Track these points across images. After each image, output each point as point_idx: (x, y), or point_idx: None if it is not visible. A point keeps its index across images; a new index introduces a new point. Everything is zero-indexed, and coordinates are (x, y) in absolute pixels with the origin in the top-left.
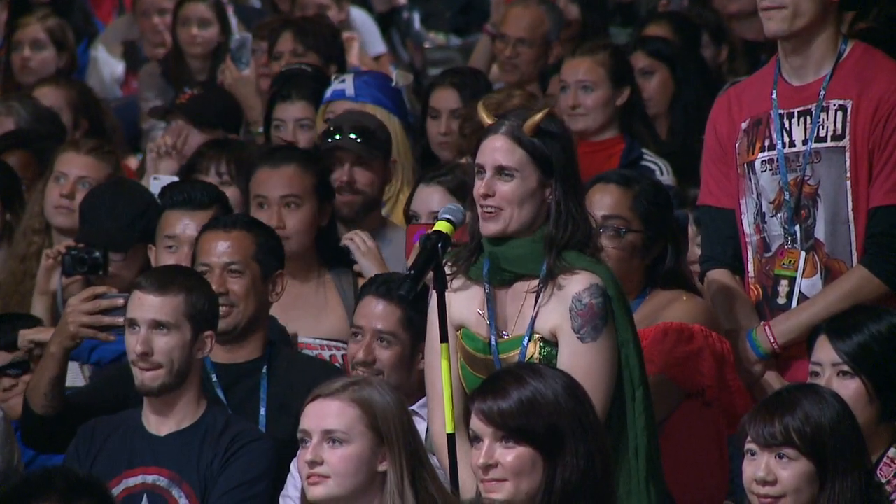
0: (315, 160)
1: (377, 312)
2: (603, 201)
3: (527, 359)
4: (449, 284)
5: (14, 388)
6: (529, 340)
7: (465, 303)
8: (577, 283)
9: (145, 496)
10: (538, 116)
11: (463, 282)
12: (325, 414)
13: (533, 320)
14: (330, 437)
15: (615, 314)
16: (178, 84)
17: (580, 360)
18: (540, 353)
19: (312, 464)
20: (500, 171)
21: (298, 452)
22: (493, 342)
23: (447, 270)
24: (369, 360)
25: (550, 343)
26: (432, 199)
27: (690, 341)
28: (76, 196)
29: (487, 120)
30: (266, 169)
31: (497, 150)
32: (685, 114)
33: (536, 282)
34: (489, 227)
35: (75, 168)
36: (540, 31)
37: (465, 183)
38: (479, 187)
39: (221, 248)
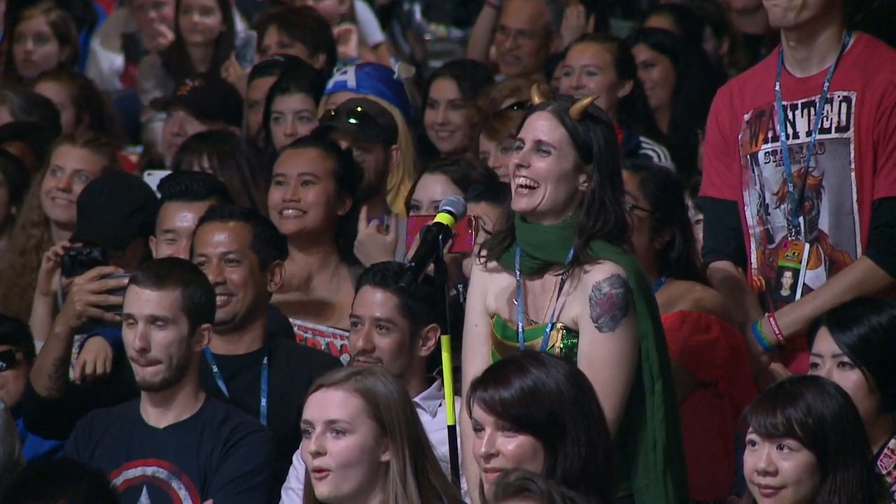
0: (338, 149)
1: (375, 301)
2: None
3: (549, 347)
4: (483, 267)
5: None
6: (552, 328)
7: (500, 291)
8: (599, 273)
9: (145, 488)
10: (586, 101)
11: (499, 269)
12: (327, 404)
13: (556, 309)
14: (333, 427)
15: (636, 306)
16: (179, 75)
17: (598, 349)
18: (562, 342)
19: (316, 454)
20: (539, 145)
21: (302, 443)
22: (520, 329)
23: (482, 253)
24: (368, 347)
25: (574, 332)
26: (435, 188)
27: (707, 331)
28: (73, 189)
29: (537, 99)
30: (289, 150)
31: (539, 126)
32: (686, 106)
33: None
34: (521, 203)
35: (71, 161)
36: (540, 23)
37: (469, 175)
38: (515, 158)
39: (218, 238)
